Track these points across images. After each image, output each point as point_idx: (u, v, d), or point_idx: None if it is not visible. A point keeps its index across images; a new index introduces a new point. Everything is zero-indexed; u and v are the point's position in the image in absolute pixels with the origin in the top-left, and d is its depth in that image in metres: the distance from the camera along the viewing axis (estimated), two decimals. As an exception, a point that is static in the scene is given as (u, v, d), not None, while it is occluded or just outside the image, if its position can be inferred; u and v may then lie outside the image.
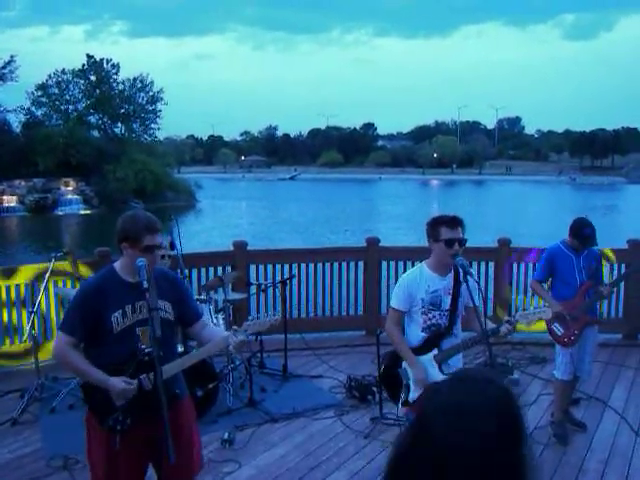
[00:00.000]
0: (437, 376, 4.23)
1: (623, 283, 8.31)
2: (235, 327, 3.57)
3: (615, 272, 8.35)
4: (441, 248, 4.20)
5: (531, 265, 8.31)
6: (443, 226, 4.19)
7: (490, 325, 4.30)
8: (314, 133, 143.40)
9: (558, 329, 5.66)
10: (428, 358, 4.29)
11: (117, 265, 3.51)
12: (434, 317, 4.28)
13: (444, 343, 4.30)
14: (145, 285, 3.27)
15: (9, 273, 7.42)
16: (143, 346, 3.37)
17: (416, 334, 4.33)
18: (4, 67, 50.53)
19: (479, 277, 8.30)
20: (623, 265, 8.35)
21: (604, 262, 7.34)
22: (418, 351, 4.32)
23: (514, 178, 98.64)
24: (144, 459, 3.48)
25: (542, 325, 5.84)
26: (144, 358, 3.34)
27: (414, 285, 4.30)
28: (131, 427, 3.33)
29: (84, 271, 7.54)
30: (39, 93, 56.89)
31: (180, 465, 3.40)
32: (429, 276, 4.30)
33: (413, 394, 4.30)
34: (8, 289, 7.35)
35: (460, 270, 4.19)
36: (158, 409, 3.22)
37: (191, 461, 3.62)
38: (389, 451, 1.44)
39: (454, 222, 4.21)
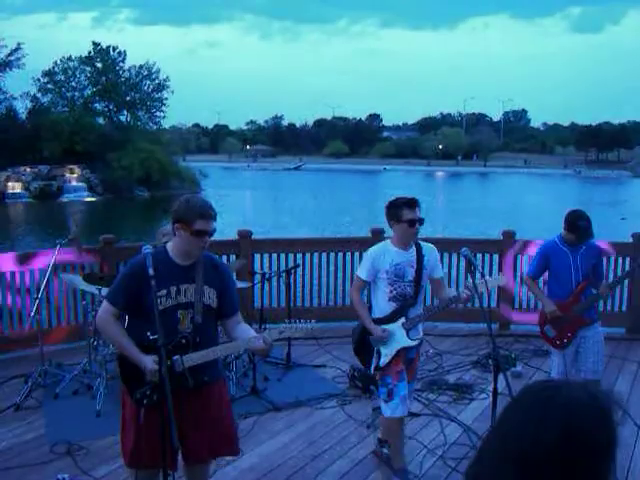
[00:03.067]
0: (406, 342, 4.63)
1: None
2: (268, 328, 3.63)
3: (620, 265, 8.33)
4: (404, 228, 4.52)
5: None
6: (404, 208, 4.49)
7: (452, 293, 4.75)
8: (320, 123, 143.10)
9: (550, 330, 5.49)
10: (397, 325, 4.61)
11: (169, 246, 3.55)
12: (399, 287, 4.59)
13: (410, 312, 4.63)
14: (151, 273, 3.26)
15: (15, 259, 7.44)
16: (182, 329, 3.44)
17: (384, 303, 4.64)
18: (10, 54, 50.52)
19: (483, 269, 8.31)
20: (628, 259, 8.32)
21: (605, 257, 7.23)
22: (387, 319, 4.63)
23: (519, 171, 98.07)
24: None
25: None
26: (181, 340, 3.40)
27: (379, 258, 4.62)
28: (156, 404, 3.36)
29: (88, 258, 7.57)
30: (45, 80, 56.83)
31: (204, 441, 3.52)
32: (393, 251, 4.62)
33: (384, 359, 4.62)
34: (13, 275, 7.37)
35: (463, 259, 4.39)
36: (181, 393, 3.30)
37: (219, 438, 3.67)
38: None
39: (414, 203, 4.53)
